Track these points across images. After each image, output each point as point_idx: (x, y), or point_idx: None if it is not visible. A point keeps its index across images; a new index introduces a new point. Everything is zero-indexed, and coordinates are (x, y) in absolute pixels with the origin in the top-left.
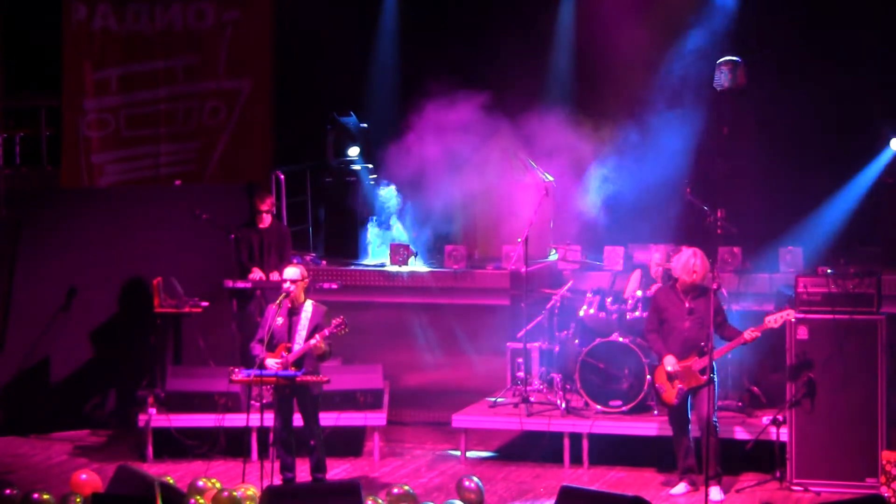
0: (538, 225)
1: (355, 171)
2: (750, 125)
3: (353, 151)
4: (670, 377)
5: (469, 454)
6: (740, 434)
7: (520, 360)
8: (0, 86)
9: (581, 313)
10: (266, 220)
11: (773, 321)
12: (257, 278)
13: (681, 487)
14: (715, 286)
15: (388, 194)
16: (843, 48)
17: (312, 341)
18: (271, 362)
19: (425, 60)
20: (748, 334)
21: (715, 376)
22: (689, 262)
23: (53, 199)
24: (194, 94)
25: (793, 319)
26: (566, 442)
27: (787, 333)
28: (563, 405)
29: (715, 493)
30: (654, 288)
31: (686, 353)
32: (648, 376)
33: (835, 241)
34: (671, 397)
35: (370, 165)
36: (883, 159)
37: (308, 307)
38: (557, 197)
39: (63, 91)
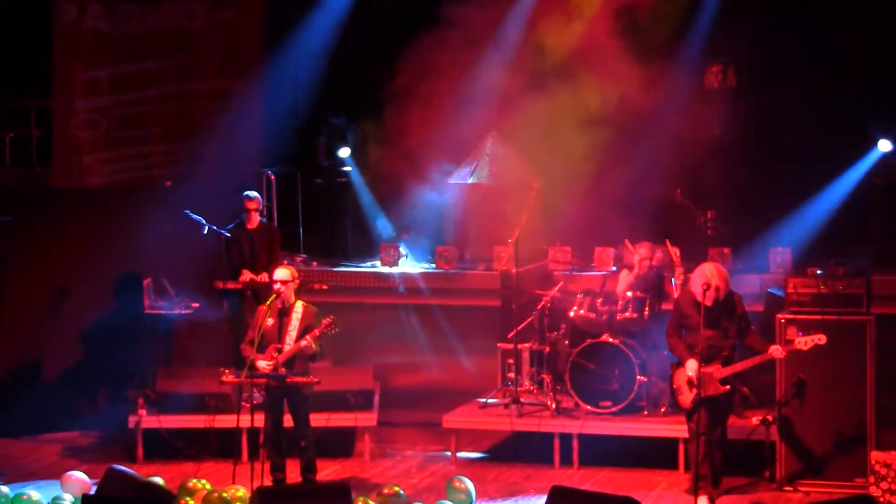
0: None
1: (346, 173)
2: (740, 126)
3: (344, 153)
4: (690, 382)
5: (459, 455)
6: (730, 434)
7: (510, 360)
8: None
9: (571, 314)
10: (254, 220)
11: (804, 343)
12: (248, 279)
13: (703, 501)
14: (704, 286)
15: None
16: (832, 49)
17: (303, 342)
18: (262, 364)
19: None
20: (777, 353)
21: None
22: (711, 284)
23: (44, 199)
24: (185, 95)
25: (822, 343)
26: (556, 442)
27: (777, 334)
28: (554, 406)
29: (703, 502)
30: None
31: (709, 361)
32: (639, 377)
33: (824, 241)
34: (687, 401)
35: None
36: (871, 160)
37: (298, 308)
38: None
39: (53, 91)
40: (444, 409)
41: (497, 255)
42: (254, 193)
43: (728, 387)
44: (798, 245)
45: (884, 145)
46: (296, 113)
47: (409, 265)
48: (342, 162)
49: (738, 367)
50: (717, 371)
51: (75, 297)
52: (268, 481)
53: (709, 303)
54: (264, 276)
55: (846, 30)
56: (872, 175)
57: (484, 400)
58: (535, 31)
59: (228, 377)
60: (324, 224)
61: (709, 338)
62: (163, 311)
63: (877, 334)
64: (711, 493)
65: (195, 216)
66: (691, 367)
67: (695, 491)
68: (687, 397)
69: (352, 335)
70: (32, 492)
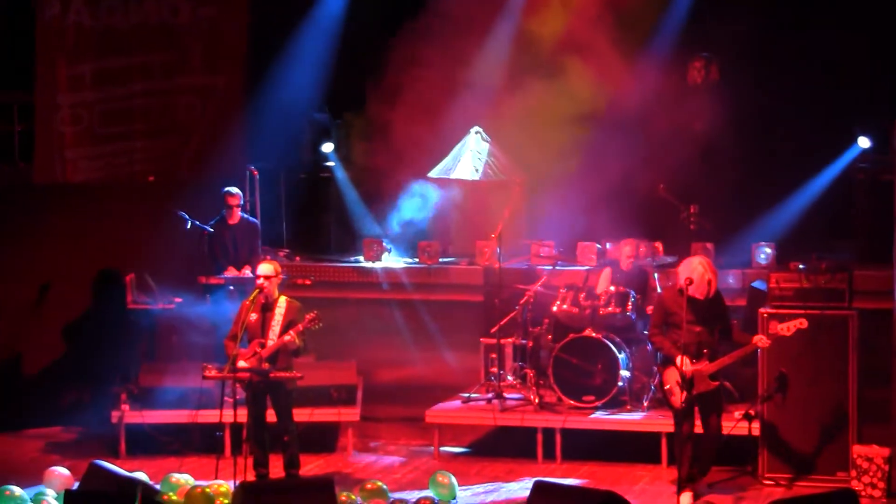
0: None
1: (329, 168)
2: (723, 121)
3: (328, 148)
4: (683, 379)
5: (442, 449)
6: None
7: (493, 355)
8: None
9: (554, 308)
10: (236, 216)
11: (786, 329)
12: (231, 275)
13: (686, 498)
14: (687, 281)
15: None
16: (815, 45)
17: (287, 337)
18: (243, 363)
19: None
20: (761, 342)
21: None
22: (703, 277)
23: (26, 195)
24: (169, 90)
25: (804, 326)
26: (539, 437)
27: (759, 328)
28: (537, 400)
29: (686, 498)
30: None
31: (696, 358)
32: (622, 371)
33: (808, 236)
34: (679, 401)
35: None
36: (852, 155)
37: (282, 303)
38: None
39: (36, 86)
40: (427, 404)
41: (480, 249)
42: (235, 189)
43: (717, 382)
44: (781, 240)
45: (863, 142)
46: (279, 108)
47: (392, 260)
48: (325, 157)
49: (725, 360)
50: (706, 367)
51: (58, 293)
52: (251, 476)
53: (700, 296)
54: (246, 271)
55: (830, 27)
56: (855, 170)
57: (467, 395)
58: (520, 26)
59: (211, 372)
60: (307, 219)
61: (697, 334)
62: (146, 307)
63: (859, 329)
64: (696, 490)
65: (180, 213)
66: (685, 363)
67: (679, 489)
68: (679, 397)
69: (335, 330)
70: (15, 487)
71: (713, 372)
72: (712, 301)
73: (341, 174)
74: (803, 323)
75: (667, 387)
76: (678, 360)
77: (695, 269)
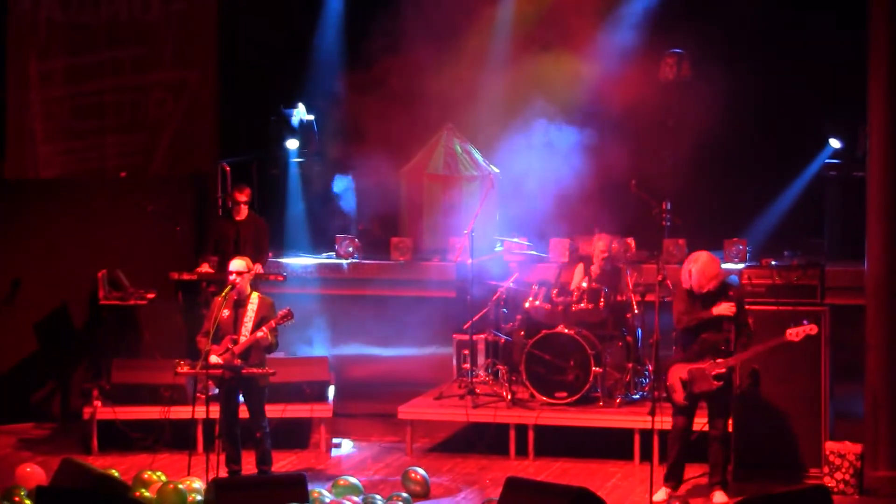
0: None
1: (301, 164)
2: (695, 118)
3: (293, 144)
4: (690, 377)
5: (415, 446)
6: None
7: (466, 351)
8: None
9: (527, 305)
10: (243, 212)
11: (795, 335)
12: (204, 271)
13: (661, 494)
14: (659, 278)
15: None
16: (786, 46)
17: (259, 333)
18: (215, 359)
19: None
20: (792, 334)
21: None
22: (704, 270)
23: None
24: (140, 86)
25: (814, 333)
26: (512, 433)
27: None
28: (509, 397)
29: (661, 493)
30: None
31: (701, 356)
32: (594, 368)
33: (780, 233)
34: (680, 398)
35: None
36: (825, 154)
37: (254, 299)
38: (502, 188)
39: (7, 82)
40: (399, 401)
41: (452, 246)
42: (243, 185)
43: (721, 382)
44: (754, 236)
45: (834, 143)
46: (251, 103)
47: (364, 256)
48: (297, 153)
49: (731, 361)
50: (711, 367)
51: (29, 289)
52: (223, 473)
53: (695, 290)
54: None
55: (800, 28)
56: (827, 167)
57: (439, 391)
58: (495, 19)
59: (184, 368)
60: (279, 215)
61: (704, 331)
62: (117, 303)
63: (831, 325)
64: (671, 485)
65: (151, 209)
66: (721, 309)
67: (651, 483)
68: (680, 395)
69: (307, 326)
70: None
71: (718, 373)
72: (721, 297)
73: (313, 170)
74: (813, 329)
75: (668, 383)
76: (717, 308)
77: (686, 266)
